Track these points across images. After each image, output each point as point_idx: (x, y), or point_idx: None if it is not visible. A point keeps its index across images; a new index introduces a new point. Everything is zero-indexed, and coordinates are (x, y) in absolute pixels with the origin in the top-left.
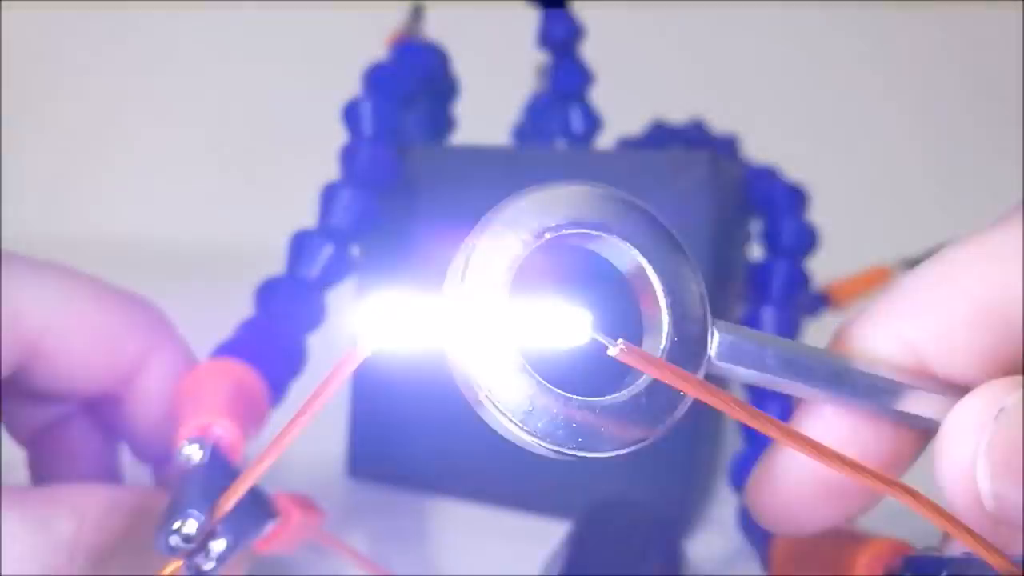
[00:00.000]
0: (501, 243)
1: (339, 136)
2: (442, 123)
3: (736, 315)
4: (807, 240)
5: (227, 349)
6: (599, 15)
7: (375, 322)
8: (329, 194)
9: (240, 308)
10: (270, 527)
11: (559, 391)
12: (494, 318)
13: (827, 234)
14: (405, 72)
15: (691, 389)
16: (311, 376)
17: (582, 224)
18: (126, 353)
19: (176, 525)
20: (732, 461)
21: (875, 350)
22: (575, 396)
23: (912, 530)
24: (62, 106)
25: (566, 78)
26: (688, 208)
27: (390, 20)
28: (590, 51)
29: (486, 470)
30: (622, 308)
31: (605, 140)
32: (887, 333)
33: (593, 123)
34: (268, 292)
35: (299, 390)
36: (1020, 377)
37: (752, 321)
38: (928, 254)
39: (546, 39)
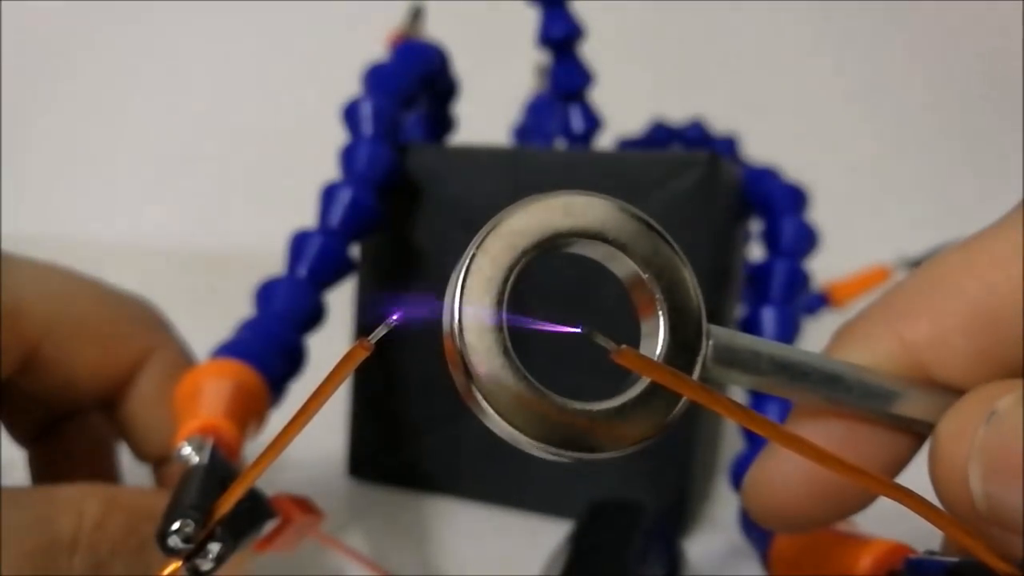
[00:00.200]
0: (500, 251)
1: (339, 136)
2: (442, 123)
3: (736, 315)
4: (807, 240)
5: (227, 349)
6: (599, 15)
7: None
8: (329, 194)
9: (240, 308)
10: (269, 527)
11: (557, 395)
12: (493, 325)
13: (827, 234)
14: (405, 72)
15: (689, 392)
16: (311, 376)
17: (580, 232)
18: (126, 354)
19: (175, 526)
20: (733, 462)
21: (872, 351)
22: (572, 400)
23: (913, 533)
24: (62, 107)
25: (566, 78)
26: (687, 208)
27: (390, 20)
28: (590, 51)
29: (486, 470)
30: (619, 314)
31: (605, 140)
32: (884, 334)
33: (593, 123)
34: (268, 292)
35: (299, 390)
36: (1014, 380)
37: (752, 321)
38: (928, 255)
39: (546, 39)
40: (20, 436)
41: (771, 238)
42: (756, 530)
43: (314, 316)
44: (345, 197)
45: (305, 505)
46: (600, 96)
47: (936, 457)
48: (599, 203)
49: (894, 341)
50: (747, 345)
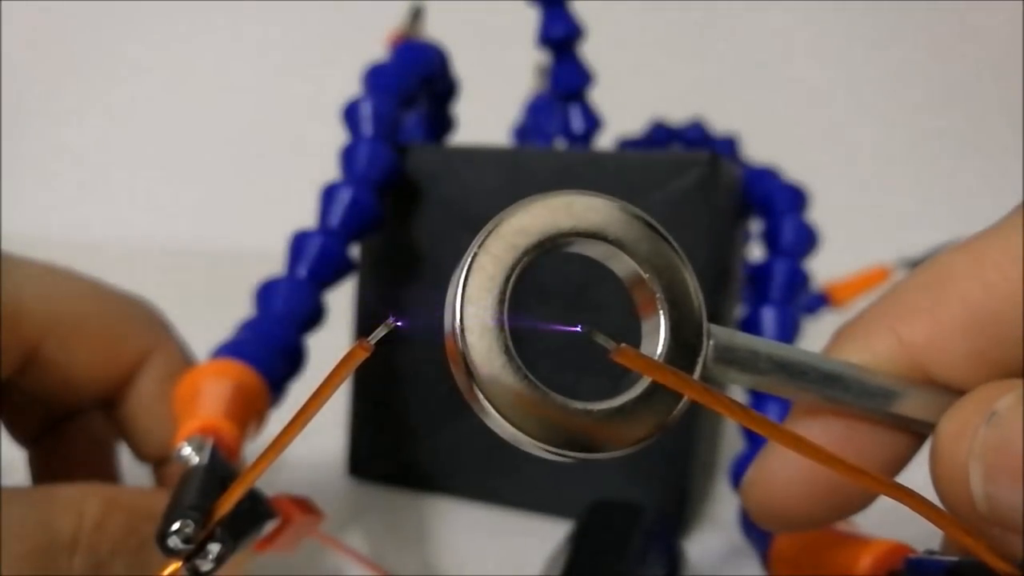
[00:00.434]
0: (501, 251)
1: (339, 136)
2: (442, 123)
3: (736, 315)
4: (807, 240)
5: (227, 349)
6: (599, 15)
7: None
8: (329, 194)
9: (240, 308)
10: (269, 528)
11: (558, 395)
12: (495, 324)
13: (827, 234)
14: (405, 72)
15: (689, 391)
16: (311, 376)
17: (581, 232)
18: (125, 354)
19: (175, 526)
20: (733, 461)
21: (872, 351)
22: (573, 400)
23: (913, 532)
24: (62, 107)
25: (566, 78)
26: (687, 208)
27: (390, 20)
28: (590, 51)
29: (486, 470)
30: (620, 313)
31: (605, 140)
32: (883, 335)
33: (593, 123)
34: (268, 292)
35: (299, 390)
36: (1014, 380)
37: (752, 321)
38: (930, 255)
39: (546, 39)
40: (20, 436)
41: (771, 238)
42: (756, 530)
43: (314, 316)
44: (345, 197)
45: (305, 505)
46: (600, 96)
47: (936, 457)
48: (600, 203)
49: (893, 341)
50: (747, 344)
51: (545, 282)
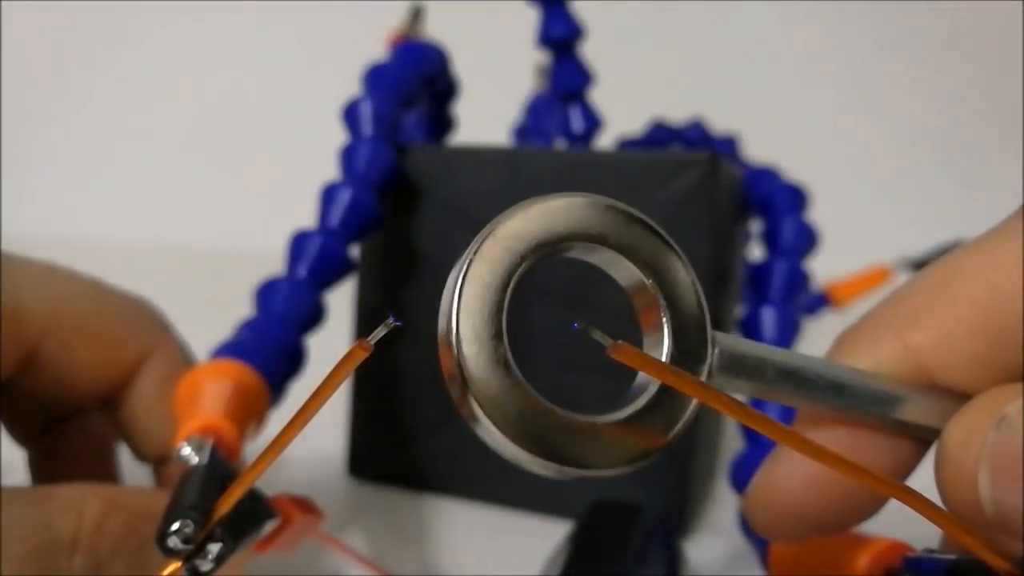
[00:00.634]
0: (498, 256)
1: (339, 136)
2: (442, 123)
3: (736, 315)
4: (807, 240)
5: (227, 349)
6: (599, 15)
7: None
8: (329, 194)
9: (240, 308)
10: (269, 527)
11: (559, 408)
12: (492, 334)
13: (827, 234)
14: (405, 72)
15: (691, 391)
16: (311, 376)
17: (581, 236)
18: (125, 354)
19: (175, 526)
20: (733, 462)
21: (876, 356)
22: (575, 413)
23: (911, 532)
24: (62, 107)
25: (566, 78)
26: (687, 208)
27: (390, 20)
28: (590, 51)
29: (486, 470)
30: (621, 320)
31: (605, 140)
32: (888, 339)
33: (593, 123)
34: (268, 292)
35: (299, 390)
36: (1021, 385)
37: (752, 321)
38: (930, 255)
39: (546, 39)
40: (20, 436)
41: (771, 238)
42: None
43: (314, 316)
44: (345, 197)
45: (305, 505)
46: (600, 96)
47: (943, 462)
48: (600, 206)
49: (898, 346)
50: (753, 352)
51: (545, 282)
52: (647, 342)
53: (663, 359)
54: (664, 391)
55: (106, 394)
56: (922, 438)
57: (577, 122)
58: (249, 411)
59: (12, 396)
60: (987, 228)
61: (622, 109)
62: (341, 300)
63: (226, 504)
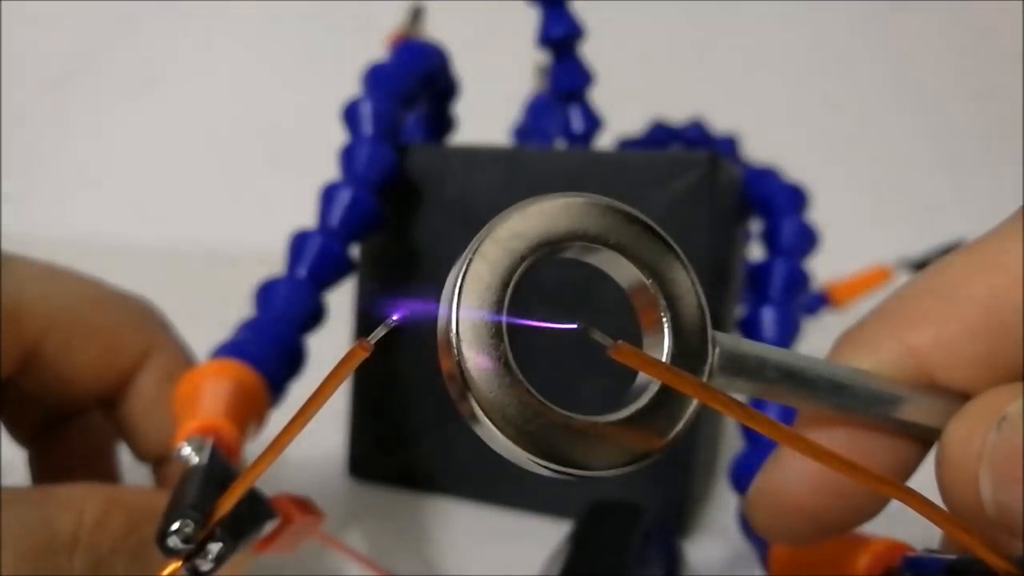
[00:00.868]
0: (498, 256)
1: (339, 136)
2: (442, 123)
3: (736, 315)
4: (807, 240)
5: (227, 349)
6: (599, 15)
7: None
8: (329, 194)
9: (240, 308)
10: (269, 528)
11: (560, 409)
12: (492, 335)
13: (827, 234)
14: (405, 72)
15: (691, 391)
16: (311, 376)
17: (580, 236)
18: (125, 354)
19: (175, 526)
20: (733, 462)
21: (877, 356)
22: (576, 414)
23: (911, 531)
24: (63, 108)
25: (566, 78)
26: (687, 208)
27: (390, 20)
28: (590, 51)
29: (486, 470)
30: (621, 321)
31: (605, 140)
32: (889, 340)
33: (593, 123)
34: (268, 292)
35: (299, 390)
36: (1021, 384)
37: (752, 321)
38: (930, 255)
39: (546, 39)
40: (20, 436)
41: (771, 238)
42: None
43: (314, 316)
44: (345, 197)
45: (305, 505)
46: (600, 96)
47: (944, 462)
48: (600, 206)
49: (899, 346)
50: (753, 352)
51: (545, 282)
52: (647, 342)
53: (663, 359)
54: (664, 391)
55: (106, 394)
56: (922, 438)
57: (577, 122)
58: (249, 411)
59: (12, 396)
60: (987, 228)
61: (622, 109)
62: (341, 300)
63: (226, 504)
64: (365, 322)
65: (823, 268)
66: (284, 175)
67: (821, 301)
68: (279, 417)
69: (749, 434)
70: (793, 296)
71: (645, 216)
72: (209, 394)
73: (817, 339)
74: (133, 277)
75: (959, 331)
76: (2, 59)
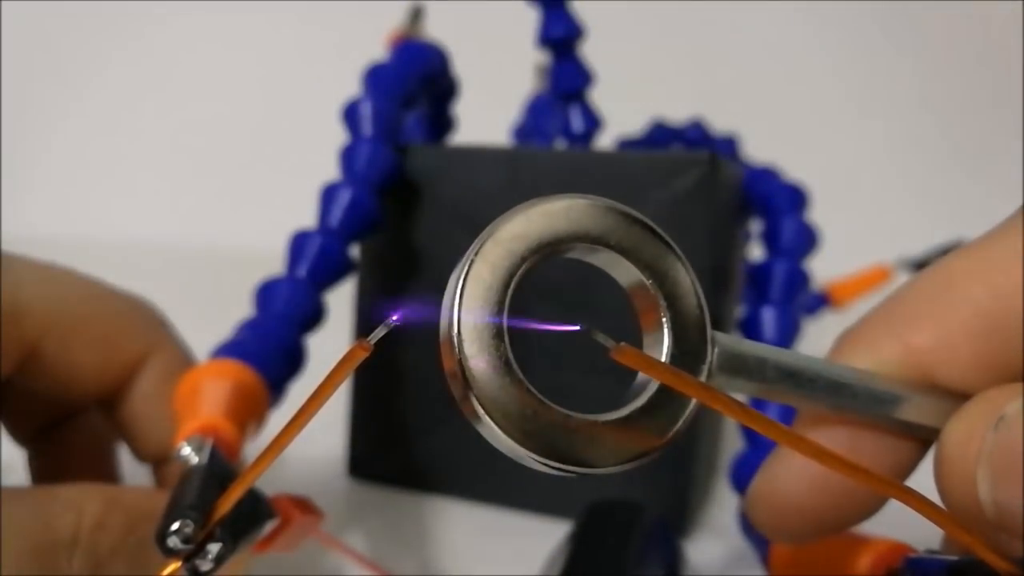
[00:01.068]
0: (499, 257)
1: (339, 136)
2: (442, 123)
3: (736, 316)
4: (807, 240)
5: (227, 349)
6: (599, 15)
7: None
8: (329, 194)
9: (240, 308)
10: (269, 528)
11: (560, 407)
12: (493, 335)
13: (827, 234)
14: (405, 72)
15: (690, 390)
16: (311, 376)
17: (581, 237)
18: (125, 354)
19: (174, 526)
20: (733, 462)
21: (876, 356)
22: (575, 412)
23: (912, 532)
24: (63, 107)
25: (566, 78)
26: (687, 208)
27: (390, 20)
28: (590, 51)
29: (486, 470)
30: (621, 321)
31: (605, 140)
32: (888, 339)
33: (593, 123)
34: (267, 292)
35: (299, 390)
36: (1020, 385)
37: (752, 321)
38: (930, 255)
39: (546, 39)
40: (20, 436)
41: (771, 238)
42: (756, 530)
43: (314, 316)
44: (345, 197)
45: (305, 505)
46: (600, 96)
47: (943, 462)
48: (600, 207)
49: (898, 346)
50: (753, 352)
51: (546, 283)
52: (647, 342)
53: (663, 359)
54: (664, 390)
55: (106, 394)
56: (922, 438)
57: (577, 122)
58: (249, 411)
59: (12, 396)
60: (987, 228)
61: (622, 109)
62: (341, 300)
63: (226, 504)
64: (365, 322)
65: (823, 268)
66: (284, 175)
67: (821, 301)
68: (279, 417)
69: (749, 434)
70: (793, 296)
71: (646, 217)
72: (209, 394)
73: (817, 339)
74: (133, 277)
75: (959, 331)
76: (2, 59)
